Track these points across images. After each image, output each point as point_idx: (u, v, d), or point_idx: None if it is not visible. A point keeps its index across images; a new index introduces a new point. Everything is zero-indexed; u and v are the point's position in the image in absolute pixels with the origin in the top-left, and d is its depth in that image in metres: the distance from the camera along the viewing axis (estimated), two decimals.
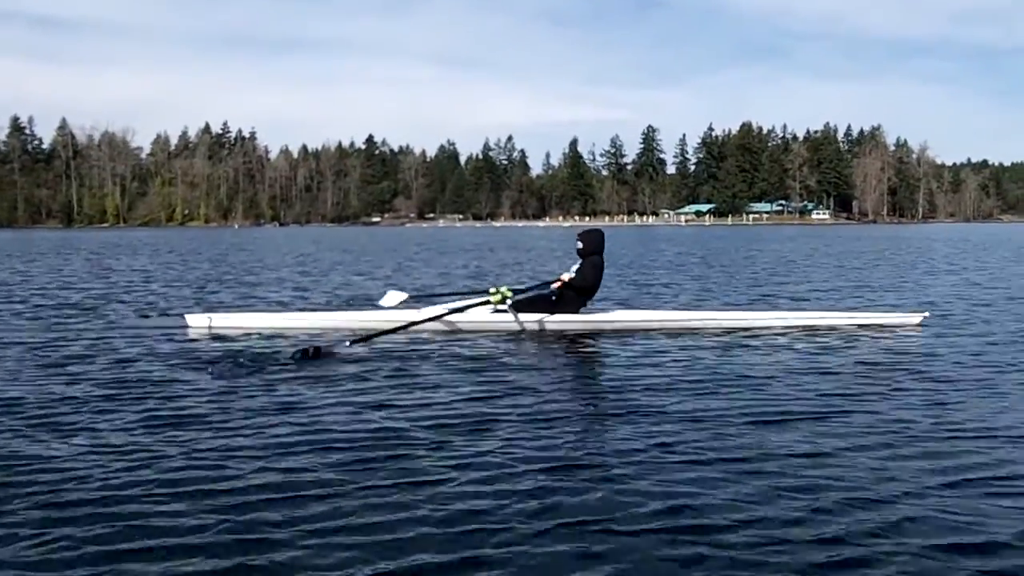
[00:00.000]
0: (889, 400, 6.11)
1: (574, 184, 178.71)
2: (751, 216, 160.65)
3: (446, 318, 9.39)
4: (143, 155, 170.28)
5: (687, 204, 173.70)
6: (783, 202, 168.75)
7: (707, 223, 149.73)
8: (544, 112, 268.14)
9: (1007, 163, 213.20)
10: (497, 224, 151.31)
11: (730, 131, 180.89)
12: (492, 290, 9.48)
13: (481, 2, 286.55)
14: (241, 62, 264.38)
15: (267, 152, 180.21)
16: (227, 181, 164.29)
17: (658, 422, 5.43)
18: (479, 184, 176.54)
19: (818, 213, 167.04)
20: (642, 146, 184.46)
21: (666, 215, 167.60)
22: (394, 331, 8.76)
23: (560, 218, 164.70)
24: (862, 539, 3.54)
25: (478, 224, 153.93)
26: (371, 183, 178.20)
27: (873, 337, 9.08)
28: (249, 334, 9.08)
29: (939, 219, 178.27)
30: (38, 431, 5.15)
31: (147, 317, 10.85)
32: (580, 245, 9.77)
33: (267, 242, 50.77)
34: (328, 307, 11.98)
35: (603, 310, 10.27)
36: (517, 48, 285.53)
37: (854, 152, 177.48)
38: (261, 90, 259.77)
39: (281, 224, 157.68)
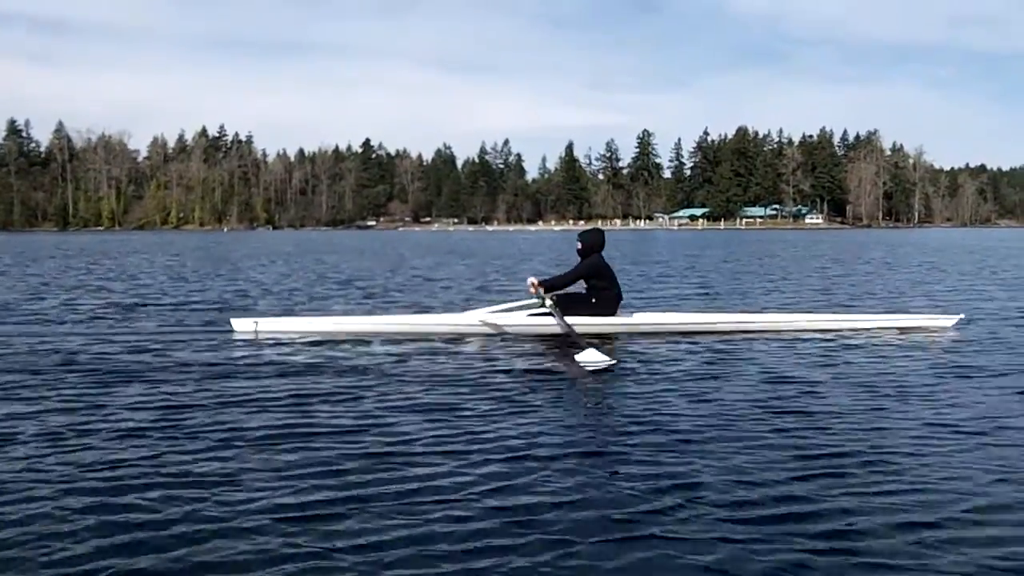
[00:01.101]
0: (929, 402, 6.11)
1: (569, 188, 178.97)
2: (744, 220, 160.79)
3: (492, 321, 9.47)
4: (140, 158, 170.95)
5: (682, 208, 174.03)
6: (777, 206, 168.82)
7: (700, 227, 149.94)
8: (543, 116, 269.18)
9: (1005, 167, 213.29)
10: (490, 228, 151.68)
11: (726, 135, 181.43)
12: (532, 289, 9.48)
13: (481, 5, 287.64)
14: (240, 65, 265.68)
15: (264, 155, 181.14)
16: (222, 184, 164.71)
17: (712, 425, 5.44)
18: (475, 188, 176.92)
19: (811, 218, 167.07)
20: (637, 150, 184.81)
21: (660, 219, 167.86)
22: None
23: (552, 222, 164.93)
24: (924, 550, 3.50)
25: (471, 228, 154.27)
26: (367, 186, 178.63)
27: (908, 339, 9.12)
28: (296, 339, 9.01)
29: (936, 224, 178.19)
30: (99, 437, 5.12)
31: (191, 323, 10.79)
32: (579, 246, 9.81)
33: (260, 245, 50.80)
34: (370, 311, 11.87)
35: (647, 311, 10.33)
36: (517, 51, 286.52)
37: (849, 157, 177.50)
38: (260, 93, 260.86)
39: (274, 227, 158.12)
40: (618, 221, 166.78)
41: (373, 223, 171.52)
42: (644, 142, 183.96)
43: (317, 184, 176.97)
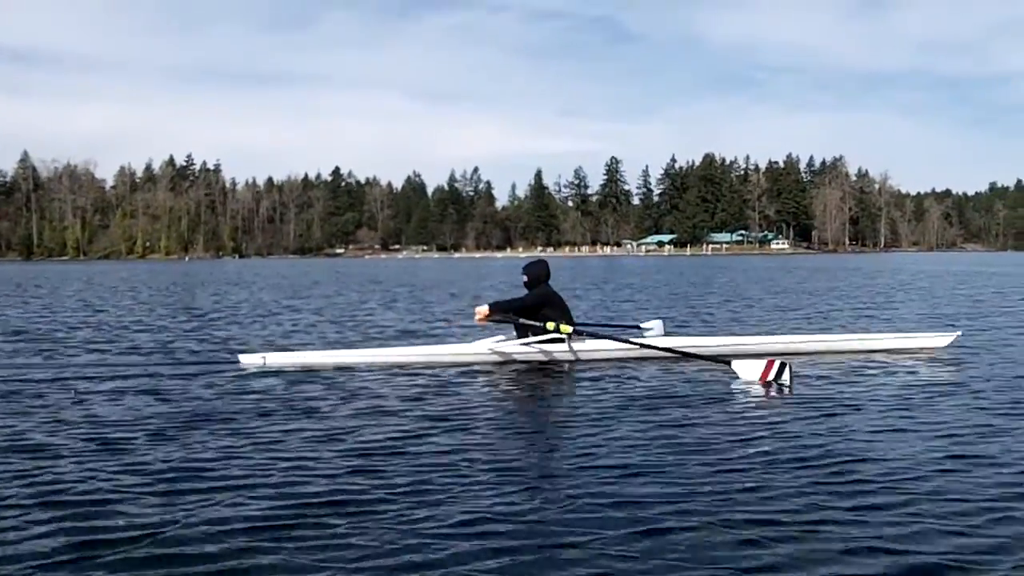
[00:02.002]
0: (925, 423, 6.11)
1: (538, 215, 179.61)
2: (711, 246, 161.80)
3: (503, 350, 9.47)
4: (107, 187, 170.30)
5: (650, 234, 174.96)
6: (743, 232, 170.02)
7: (666, 253, 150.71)
8: (514, 144, 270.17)
9: (970, 192, 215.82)
10: (457, 255, 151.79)
11: (693, 162, 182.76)
12: (551, 325, 9.37)
13: (458, 36, 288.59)
14: (211, 95, 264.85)
15: (234, 184, 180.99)
16: (188, 213, 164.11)
17: (688, 447, 5.46)
18: (444, 215, 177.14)
19: (777, 243, 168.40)
20: (606, 177, 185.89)
21: (628, 246, 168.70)
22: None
23: (520, 249, 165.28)
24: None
25: (437, 255, 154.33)
26: (335, 214, 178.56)
27: (903, 358, 9.23)
28: (304, 372, 8.83)
29: (902, 248, 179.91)
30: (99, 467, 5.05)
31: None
32: (525, 278, 9.80)
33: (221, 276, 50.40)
34: (376, 344, 11.67)
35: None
36: (492, 81, 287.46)
37: (815, 182, 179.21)
38: (229, 122, 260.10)
39: (241, 256, 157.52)
40: (586, 248, 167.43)
41: (342, 251, 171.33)
42: (612, 169, 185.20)
43: (285, 212, 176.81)
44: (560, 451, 5.46)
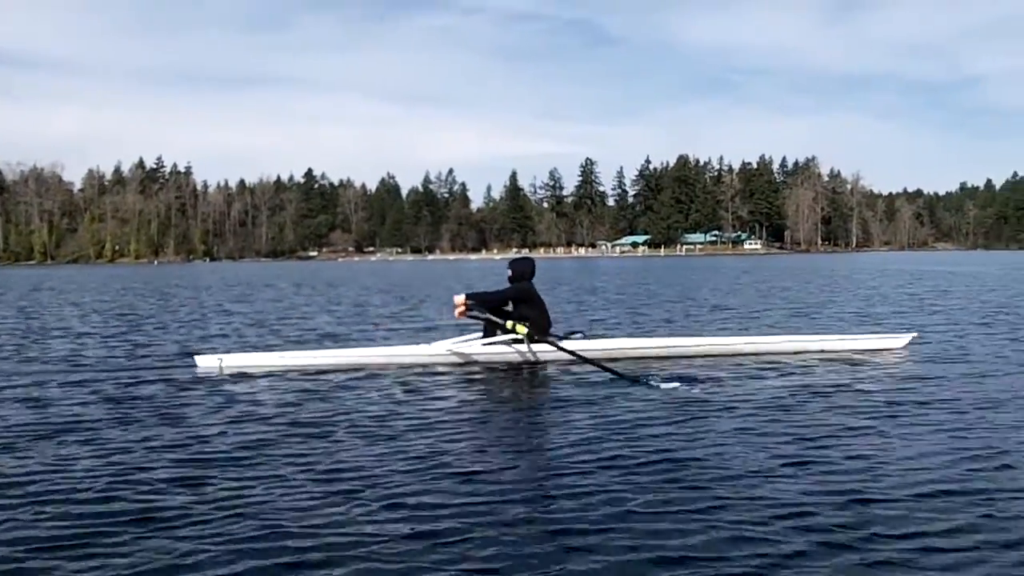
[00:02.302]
0: (879, 421, 6.22)
1: (513, 217, 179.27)
2: (684, 247, 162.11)
3: (461, 351, 9.48)
4: (75, 190, 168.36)
5: (625, 236, 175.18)
6: (717, 233, 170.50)
7: (640, 254, 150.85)
8: (493, 147, 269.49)
9: (941, 192, 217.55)
10: (431, 257, 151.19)
11: (668, 163, 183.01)
12: (510, 323, 9.38)
13: (435, 39, 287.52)
14: (187, 98, 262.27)
15: (206, 187, 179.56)
16: (159, 216, 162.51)
17: (650, 449, 5.47)
18: (418, 217, 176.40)
19: (750, 243, 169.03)
20: (580, 179, 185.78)
21: (603, 247, 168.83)
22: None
23: (495, 251, 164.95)
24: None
25: (410, 257, 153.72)
26: (308, 217, 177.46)
27: (861, 359, 9.29)
28: (263, 375, 8.79)
29: (874, 247, 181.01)
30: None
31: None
32: (509, 273, 9.94)
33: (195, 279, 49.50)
34: (334, 344, 11.59)
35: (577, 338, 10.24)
36: (469, 84, 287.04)
37: (787, 183, 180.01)
38: (205, 126, 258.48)
39: (212, 259, 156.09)
40: (561, 249, 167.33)
41: (315, 254, 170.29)
42: (587, 171, 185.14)
43: (257, 215, 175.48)
44: (515, 453, 5.45)
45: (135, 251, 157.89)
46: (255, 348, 10.96)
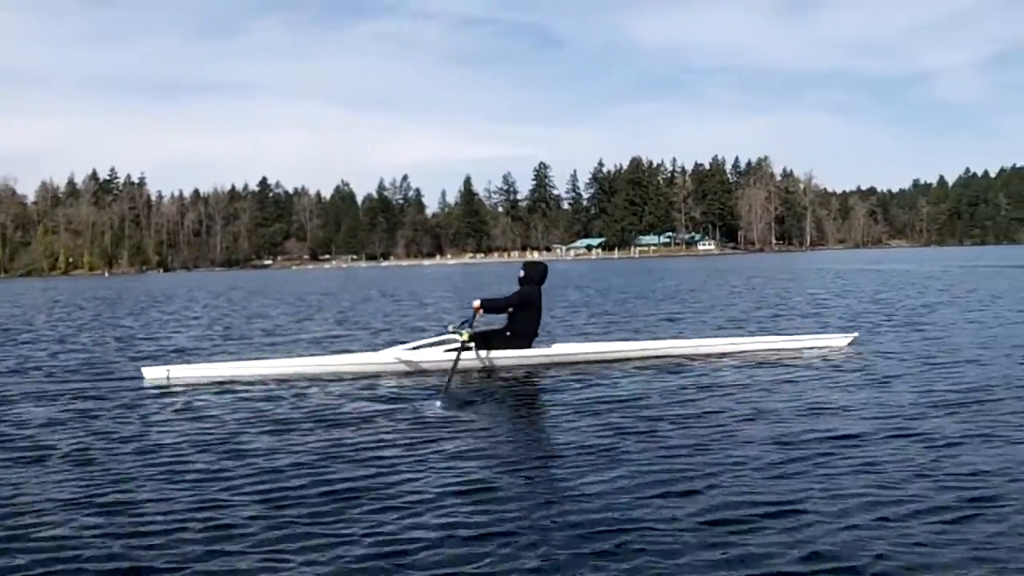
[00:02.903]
0: (827, 416, 6.63)
1: (468, 221, 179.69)
2: (639, 249, 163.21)
3: (409, 359, 9.70)
4: (29, 203, 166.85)
5: (580, 239, 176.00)
6: (671, 234, 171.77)
7: (594, 257, 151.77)
8: (447, 151, 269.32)
9: (895, 189, 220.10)
10: (385, 264, 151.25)
11: (621, 166, 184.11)
12: (452, 328, 9.75)
13: (386, 44, 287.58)
14: (139, 107, 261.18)
15: (160, 197, 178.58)
16: (112, 228, 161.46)
17: (615, 448, 5.77)
18: (373, 224, 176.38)
19: (704, 244, 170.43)
20: (534, 182, 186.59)
21: (558, 250, 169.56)
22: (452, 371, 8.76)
23: (448, 256, 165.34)
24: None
25: (364, 264, 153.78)
26: (263, 225, 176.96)
27: (805, 359, 9.71)
28: (211, 384, 8.95)
29: (828, 246, 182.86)
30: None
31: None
32: (521, 274, 10.25)
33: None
34: (287, 354, 11.62)
35: (553, 342, 10.80)
36: (423, 89, 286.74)
37: (740, 183, 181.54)
38: (158, 134, 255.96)
39: (166, 270, 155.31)
40: (516, 253, 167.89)
41: (269, 262, 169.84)
42: (541, 174, 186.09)
43: (212, 225, 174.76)
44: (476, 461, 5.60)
45: (88, 263, 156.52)
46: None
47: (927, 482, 4.82)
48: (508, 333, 9.93)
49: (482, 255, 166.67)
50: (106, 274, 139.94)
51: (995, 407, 6.83)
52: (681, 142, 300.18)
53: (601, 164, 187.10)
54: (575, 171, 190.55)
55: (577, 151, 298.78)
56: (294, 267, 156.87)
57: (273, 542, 4.08)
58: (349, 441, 6.18)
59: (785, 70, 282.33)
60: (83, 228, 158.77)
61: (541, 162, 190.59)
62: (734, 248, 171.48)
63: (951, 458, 5.30)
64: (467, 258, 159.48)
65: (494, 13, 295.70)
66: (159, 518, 4.47)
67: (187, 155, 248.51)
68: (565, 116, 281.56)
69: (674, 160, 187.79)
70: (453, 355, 9.24)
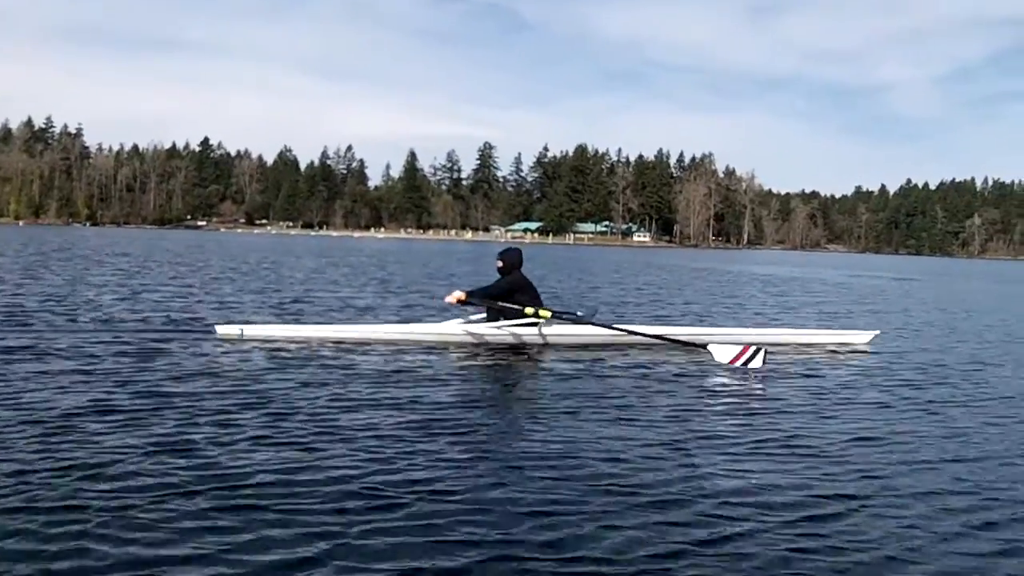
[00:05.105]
0: (845, 413, 6.75)
1: (409, 196, 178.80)
2: (575, 236, 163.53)
3: (475, 331, 9.97)
4: None
5: (520, 221, 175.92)
6: (608, 223, 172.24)
7: (528, 241, 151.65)
8: (400, 126, 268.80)
9: (837, 195, 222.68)
10: (313, 233, 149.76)
11: (567, 152, 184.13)
12: (530, 310, 9.83)
13: (358, 16, 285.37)
14: (89, 58, 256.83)
15: (100, 149, 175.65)
16: (41, 177, 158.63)
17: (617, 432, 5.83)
18: (312, 192, 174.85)
19: (639, 235, 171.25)
20: (478, 162, 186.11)
21: (496, 231, 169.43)
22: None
23: (383, 231, 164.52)
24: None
25: (293, 232, 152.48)
26: (200, 186, 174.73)
27: (826, 354, 10.05)
28: (284, 346, 9.05)
29: (766, 246, 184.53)
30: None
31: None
32: (499, 264, 10.35)
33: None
34: (355, 320, 11.81)
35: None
36: (385, 63, 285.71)
37: (679, 178, 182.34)
38: (105, 88, 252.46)
39: (95, 224, 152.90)
40: (454, 231, 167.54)
41: (203, 223, 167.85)
42: (485, 154, 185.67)
43: (146, 181, 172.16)
44: (534, 438, 5.62)
45: (15, 212, 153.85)
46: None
47: None
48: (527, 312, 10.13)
49: (420, 231, 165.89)
50: (20, 223, 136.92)
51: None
52: (633, 135, 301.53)
53: (546, 149, 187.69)
54: (519, 154, 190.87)
55: (529, 136, 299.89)
56: (222, 229, 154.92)
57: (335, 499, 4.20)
58: (405, 411, 6.22)
59: (745, 72, 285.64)
60: (11, 175, 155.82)
61: (486, 142, 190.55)
62: (669, 242, 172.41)
63: None
64: (403, 233, 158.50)
65: None
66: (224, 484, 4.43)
67: (132, 112, 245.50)
68: (523, 101, 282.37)
69: (619, 151, 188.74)
70: (513, 330, 9.85)
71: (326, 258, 39.21)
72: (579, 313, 10.63)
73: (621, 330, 9.91)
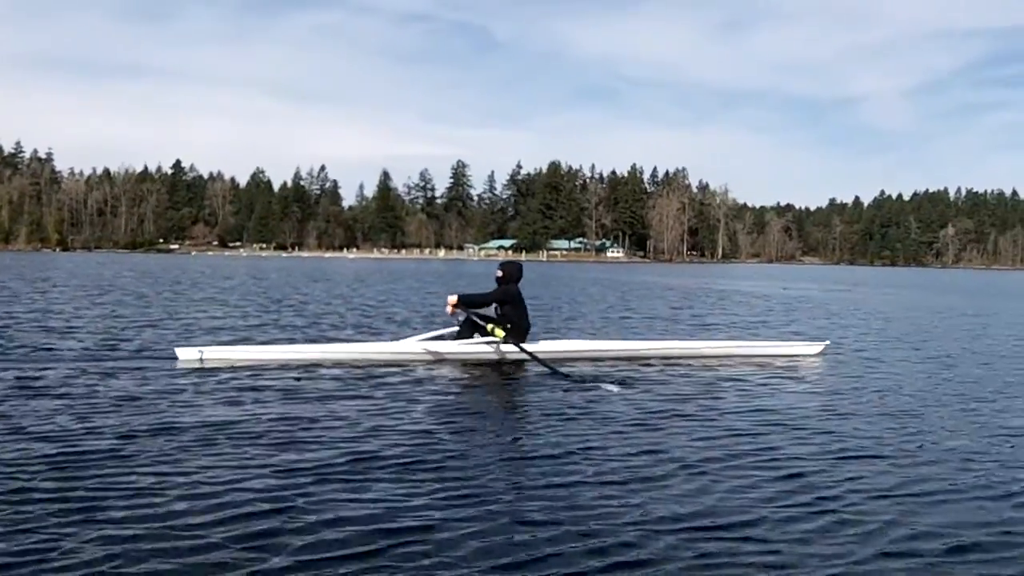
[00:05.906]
0: (794, 424, 6.85)
1: (383, 216, 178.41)
2: (548, 253, 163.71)
3: (434, 349, 10.14)
4: None
5: (494, 239, 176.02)
6: (581, 240, 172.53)
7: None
8: (372, 147, 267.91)
9: (812, 207, 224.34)
10: (284, 255, 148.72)
11: (541, 169, 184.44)
12: (489, 327, 10.14)
13: (327, 38, 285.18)
14: (57, 84, 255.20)
15: (70, 173, 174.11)
16: (10, 203, 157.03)
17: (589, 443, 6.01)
18: (286, 213, 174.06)
19: (613, 251, 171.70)
20: (452, 180, 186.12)
21: (469, 250, 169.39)
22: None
23: (354, 251, 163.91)
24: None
25: (264, 254, 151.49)
26: (172, 209, 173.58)
27: (777, 366, 10.24)
28: (245, 368, 9.09)
29: (742, 259, 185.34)
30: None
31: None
32: (499, 274, 10.58)
33: None
34: (318, 340, 12.04)
35: (549, 339, 11.24)
36: (355, 84, 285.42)
37: (652, 193, 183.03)
38: (73, 114, 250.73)
39: (65, 249, 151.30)
40: (428, 250, 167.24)
41: (176, 247, 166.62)
42: (458, 173, 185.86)
43: (117, 205, 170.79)
44: (493, 450, 5.78)
45: None
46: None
47: None
48: (508, 326, 10.24)
49: (395, 251, 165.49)
50: None
51: None
52: (606, 151, 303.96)
53: (520, 166, 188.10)
54: (493, 172, 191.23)
55: (502, 154, 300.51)
56: (194, 253, 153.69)
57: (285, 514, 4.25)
58: (369, 427, 6.34)
59: (716, 86, 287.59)
60: None
61: (459, 160, 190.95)
62: (643, 257, 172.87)
63: None
64: (376, 254, 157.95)
65: (436, 11, 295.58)
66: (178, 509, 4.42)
67: (102, 137, 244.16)
68: (494, 119, 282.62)
69: (592, 167, 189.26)
70: (473, 347, 10.13)
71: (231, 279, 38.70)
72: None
73: (527, 353, 9.98)
